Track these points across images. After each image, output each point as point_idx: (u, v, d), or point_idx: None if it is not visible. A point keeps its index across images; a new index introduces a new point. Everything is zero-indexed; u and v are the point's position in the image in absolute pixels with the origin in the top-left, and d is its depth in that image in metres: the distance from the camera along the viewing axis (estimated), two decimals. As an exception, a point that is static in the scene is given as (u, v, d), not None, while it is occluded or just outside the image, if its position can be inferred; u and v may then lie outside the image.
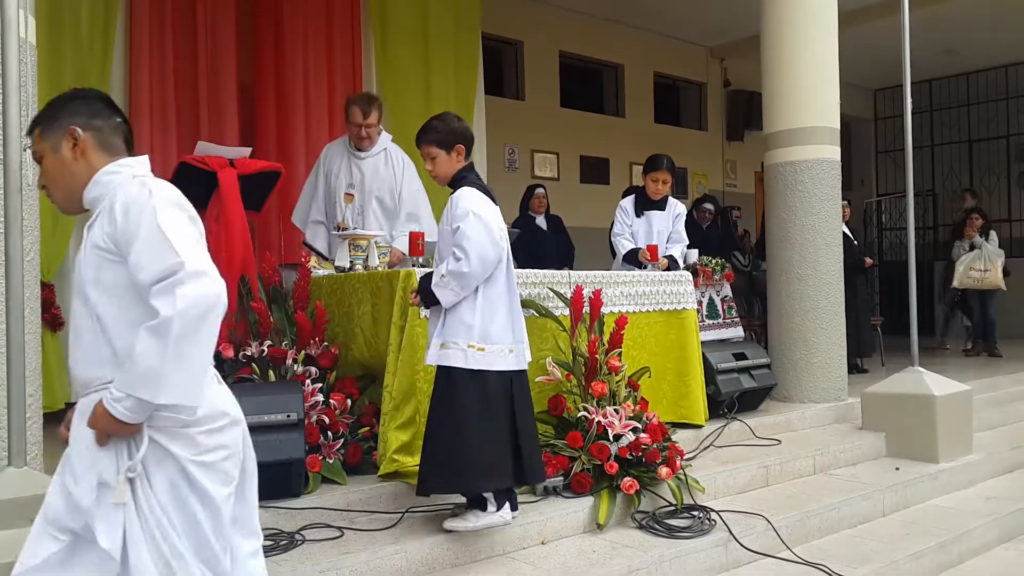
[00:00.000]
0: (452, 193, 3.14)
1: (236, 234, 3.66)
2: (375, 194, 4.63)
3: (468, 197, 3.04)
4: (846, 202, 7.14)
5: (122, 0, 5.45)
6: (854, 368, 7.01)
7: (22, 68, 2.34)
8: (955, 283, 8.78)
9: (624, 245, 5.27)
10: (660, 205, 5.35)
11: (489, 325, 3.03)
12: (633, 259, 5.09)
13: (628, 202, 5.46)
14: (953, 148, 13.09)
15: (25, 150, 2.35)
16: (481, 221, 2.99)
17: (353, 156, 4.64)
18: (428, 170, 3.23)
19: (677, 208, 5.41)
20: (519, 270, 4.04)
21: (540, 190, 7.36)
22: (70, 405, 4.09)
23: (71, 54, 5.20)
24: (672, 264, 5.09)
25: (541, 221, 7.32)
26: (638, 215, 5.36)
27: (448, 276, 2.94)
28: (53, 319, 4.88)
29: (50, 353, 4.78)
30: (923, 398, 4.86)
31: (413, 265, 3.80)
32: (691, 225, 7.97)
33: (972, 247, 8.73)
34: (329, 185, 4.66)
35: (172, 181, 3.64)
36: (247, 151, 3.91)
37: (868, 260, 7.65)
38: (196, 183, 3.70)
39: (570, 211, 8.26)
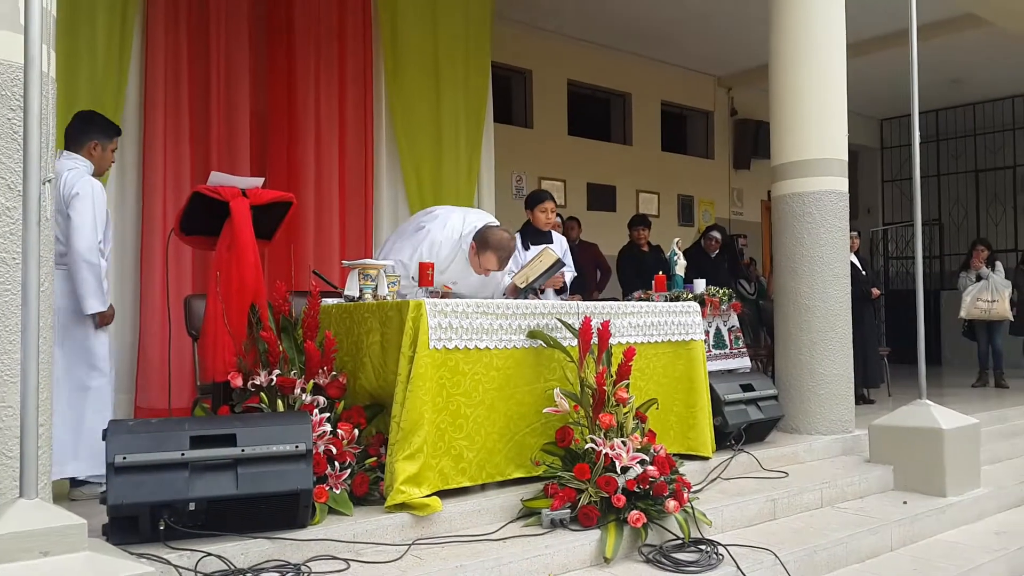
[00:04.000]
0: None
1: (247, 263, 3.68)
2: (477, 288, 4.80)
3: None
4: (856, 233, 7.17)
5: (136, 29, 5.52)
6: (861, 399, 7.00)
7: (43, 102, 2.38)
8: (963, 313, 8.78)
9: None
10: (548, 238, 5.65)
11: None
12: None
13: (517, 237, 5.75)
14: (960, 178, 13.13)
15: (44, 184, 2.38)
16: None
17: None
18: None
19: (564, 242, 5.79)
20: (528, 301, 4.07)
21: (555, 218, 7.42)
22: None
23: (85, 82, 5.25)
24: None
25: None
26: (526, 248, 5.55)
27: None
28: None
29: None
30: (931, 431, 4.84)
31: (430, 295, 3.82)
32: (699, 254, 8.04)
33: (979, 278, 8.74)
34: None
35: (186, 210, 3.73)
36: (259, 181, 3.94)
37: (875, 291, 7.65)
38: (209, 212, 3.74)
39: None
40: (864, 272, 7.49)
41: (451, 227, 4.51)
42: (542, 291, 4.98)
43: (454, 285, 4.53)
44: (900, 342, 10.14)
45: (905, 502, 4.63)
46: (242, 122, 5.91)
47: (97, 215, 3.81)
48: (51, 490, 2.75)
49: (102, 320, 3.88)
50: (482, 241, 4.41)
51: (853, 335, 5.68)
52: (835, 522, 4.21)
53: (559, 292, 5.39)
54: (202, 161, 5.68)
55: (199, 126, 5.77)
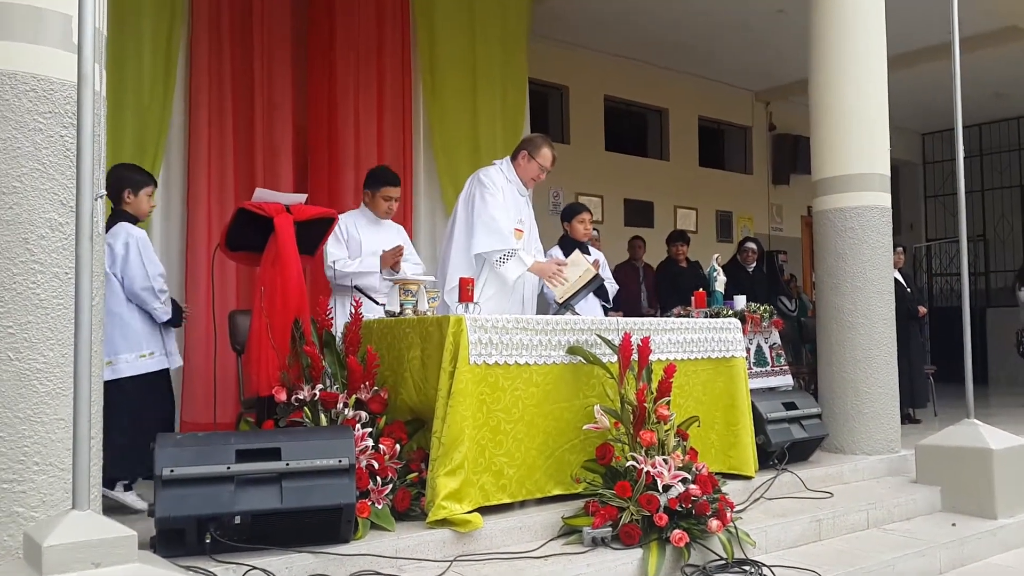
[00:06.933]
0: None
1: (291, 278, 3.72)
2: (531, 230, 4.88)
3: None
4: (900, 248, 7.05)
5: (181, 48, 5.64)
6: (906, 418, 6.87)
7: (95, 120, 2.43)
8: None
9: None
10: (585, 248, 5.66)
11: None
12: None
13: (556, 250, 5.70)
14: (1005, 192, 12.89)
15: (96, 199, 2.43)
16: None
17: (520, 193, 4.80)
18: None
19: (602, 256, 5.81)
20: (570, 316, 4.05)
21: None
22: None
23: (132, 101, 5.37)
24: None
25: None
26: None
27: None
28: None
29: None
30: (980, 451, 4.73)
31: (463, 311, 3.83)
32: (736, 268, 7.97)
33: None
34: None
35: (231, 225, 3.78)
36: (303, 198, 3.98)
37: (921, 308, 7.52)
38: (254, 228, 3.79)
39: (614, 253, 8.27)
40: (908, 289, 7.37)
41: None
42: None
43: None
44: (945, 360, 9.94)
45: (954, 524, 4.52)
46: (285, 139, 6.01)
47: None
48: (101, 502, 2.79)
49: None
50: (531, 144, 4.50)
51: (898, 354, 5.58)
52: (882, 544, 4.13)
53: (599, 295, 5.37)
54: (246, 178, 5.77)
55: (242, 143, 5.87)
